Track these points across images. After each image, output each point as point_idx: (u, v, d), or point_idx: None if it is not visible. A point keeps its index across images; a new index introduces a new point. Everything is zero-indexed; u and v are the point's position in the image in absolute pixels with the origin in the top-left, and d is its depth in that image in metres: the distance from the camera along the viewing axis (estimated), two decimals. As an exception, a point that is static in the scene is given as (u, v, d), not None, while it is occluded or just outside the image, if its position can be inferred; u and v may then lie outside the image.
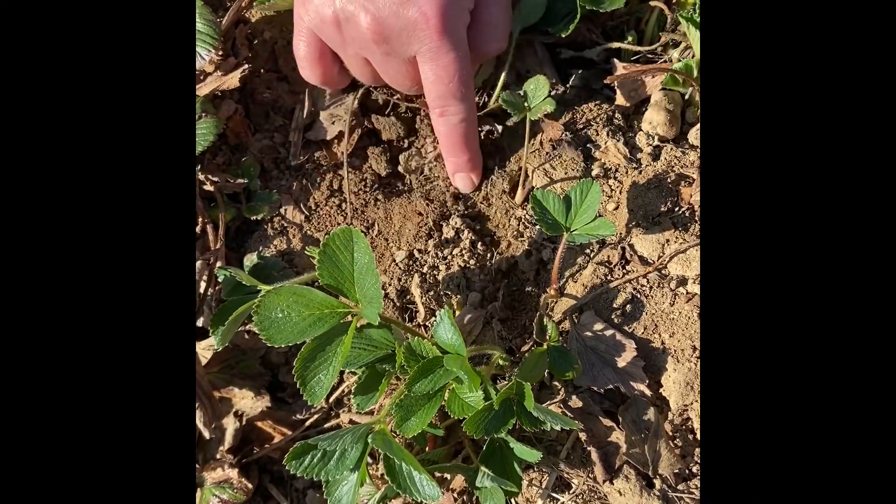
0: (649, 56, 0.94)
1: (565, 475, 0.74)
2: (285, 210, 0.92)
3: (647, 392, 0.73)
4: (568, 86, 0.96)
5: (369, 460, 0.76)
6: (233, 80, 0.90)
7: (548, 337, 0.76)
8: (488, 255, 0.87)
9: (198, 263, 0.86)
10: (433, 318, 0.84)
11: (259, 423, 0.87)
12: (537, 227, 0.87)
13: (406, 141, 0.96)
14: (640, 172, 0.85)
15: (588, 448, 0.74)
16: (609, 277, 0.79)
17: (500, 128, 0.93)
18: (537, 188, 0.76)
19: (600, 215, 0.75)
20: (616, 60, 0.92)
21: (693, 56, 0.83)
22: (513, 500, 0.75)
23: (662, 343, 0.74)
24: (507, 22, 0.84)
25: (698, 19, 0.77)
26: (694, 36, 0.79)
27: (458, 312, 0.82)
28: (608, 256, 0.80)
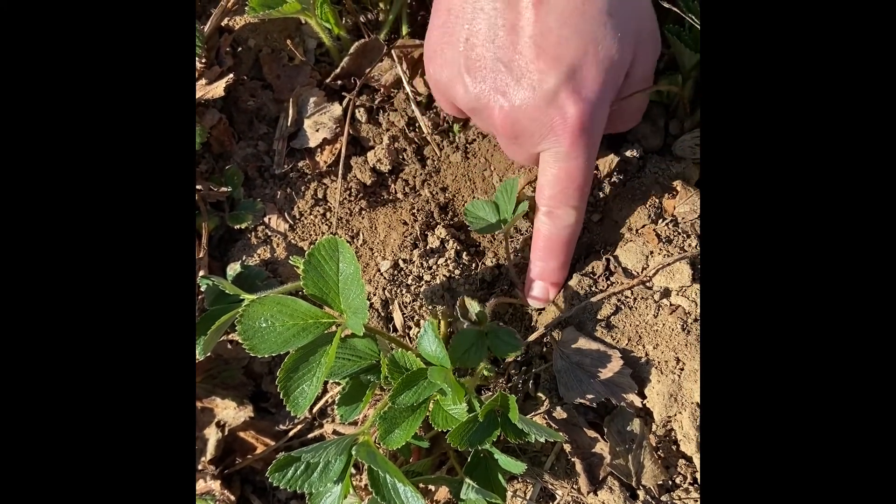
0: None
1: (549, 486, 0.74)
2: (269, 219, 0.92)
3: (638, 400, 0.73)
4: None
5: (353, 471, 0.76)
6: (217, 89, 0.89)
7: (474, 317, 0.75)
8: (473, 265, 0.87)
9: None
10: (417, 330, 0.84)
11: (241, 434, 0.86)
12: (522, 236, 0.87)
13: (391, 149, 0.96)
14: (624, 184, 0.85)
15: (572, 459, 0.74)
16: (593, 289, 0.79)
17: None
18: (471, 200, 0.83)
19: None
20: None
21: (678, 68, 0.83)
22: (497, 512, 0.75)
23: (646, 355, 0.74)
24: (645, 103, 0.80)
25: (685, 34, 0.78)
26: (679, 49, 0.80)
27: (442, 323, 0.82)
28: (593, 268, 0.81)
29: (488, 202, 0.83)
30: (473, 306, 0.76)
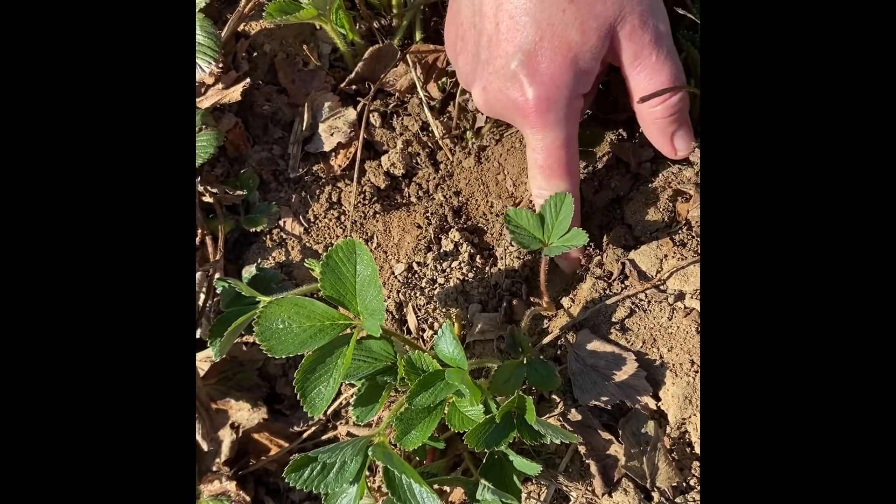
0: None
1: (564, 488, 0.75)
2: (284, 222, 0.93)
3: (653, 403, 0.73)
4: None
5: (367, 473, 0.76)
6: (234, 93, 0.90)
7: (520, 350, 0.77)
8: (487, 268, 0.88)
9: (197, 275, 0.86)
10: (431, 333, 0.84)
11: (256, 435, 0.86)
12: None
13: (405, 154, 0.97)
14: (637, 188, 0.86)
15: (587, 461, 0.74)
16: (608, 292, 0.79)
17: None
18: (510, 207, 0.78)
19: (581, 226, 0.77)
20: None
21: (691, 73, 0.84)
22: (511, 513, 0.75)
23: (661, 357, 0.75)
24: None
25: (698, 40, 0.79)
26: (693, 55, 0.80)
27: (456, 325, 0.82)
28: (608, 271, 0.81)
29: (532, 213, 0.78)
30: (522, 340, 0.77)
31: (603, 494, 0.73)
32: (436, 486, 0.75)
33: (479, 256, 0.88)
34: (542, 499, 0.75)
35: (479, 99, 0.79)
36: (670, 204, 0.83)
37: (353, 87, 0.99)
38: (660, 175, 0.86)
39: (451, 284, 0.86)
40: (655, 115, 0.77)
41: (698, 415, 0.72)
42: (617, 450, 0.74)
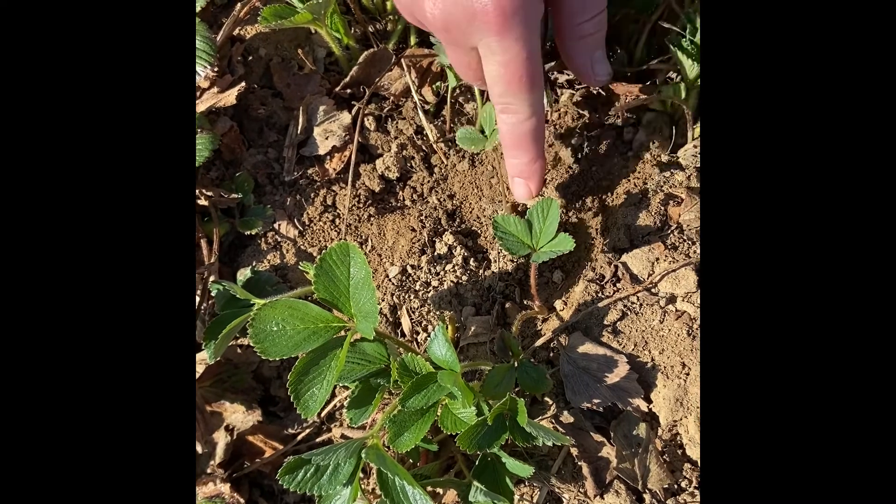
0: (641, 74, 0.96)
1: (556, 490, 0.75)
2: (279, 225, 0.93)
3: (644, 405, 0.74)
4: (556, 100, 0.97)
5: (361, 475, 0.77)
6: (229, 97, 0.91)
7: (510, 354, 0.78)
8: (480, 271, 0.88)
9: (191, 277, 0.87)
10: (425, 335, 0.85)
11: (250, 438, 0.87)
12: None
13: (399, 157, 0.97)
14: (630, 192, 0.86)
15: (579, 463, 0.74)
16: (600, 295, 0.80)
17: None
18: (499, 213, 0.78)
19: (565, 231, 0.77)
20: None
21: (681, 78, 0.85)
22: (504, 515, 0.76)
23: (652, 360, 0.75)
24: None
25: (685, 44, 0.79)
26: (682, 60, 0.81)
27: (450, 328, 0.83)
28: (599, 274, 0.82)
29: (520, 219, 0.79)
30: (513, 343, 0.78)
31: (595, 496, 0.73)
32: (429, 488, 0.75)
33: (472, 259, 0.89)
34: (534, 500, 0.75)
35: (431, 14, 0.71)
36: (662, 207, 0.83)
37: (348, 90, 0.99)
38: (652, 179, 0.86)
39: (445, 287, 0.86)
40: (584, 31, 0.73)
41: (689, 417, 0.73)
42: (609, 452, 0.74)
